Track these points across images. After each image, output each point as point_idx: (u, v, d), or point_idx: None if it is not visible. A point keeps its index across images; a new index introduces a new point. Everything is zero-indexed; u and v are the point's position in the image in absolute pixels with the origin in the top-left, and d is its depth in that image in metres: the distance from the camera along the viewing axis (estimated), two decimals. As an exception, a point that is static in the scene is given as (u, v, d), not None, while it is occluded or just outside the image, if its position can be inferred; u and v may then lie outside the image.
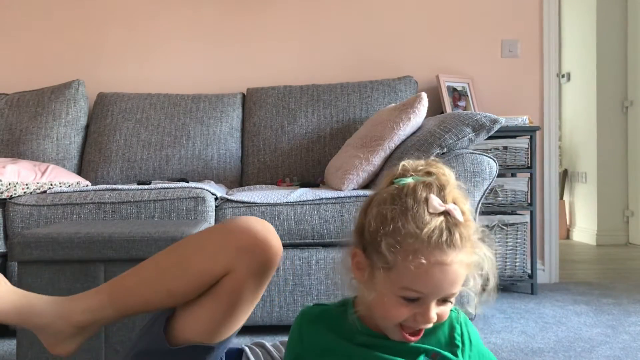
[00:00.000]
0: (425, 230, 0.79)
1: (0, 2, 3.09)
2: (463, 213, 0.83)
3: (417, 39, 3.08)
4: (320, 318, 0.90)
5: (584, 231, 4.70)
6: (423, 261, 0.78)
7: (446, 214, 0.81)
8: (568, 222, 5.01)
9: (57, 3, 3.09)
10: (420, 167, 0.88)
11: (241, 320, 1.00)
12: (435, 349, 0.88)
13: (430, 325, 0.84)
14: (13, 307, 0.97)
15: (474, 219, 0.85)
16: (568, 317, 2.27)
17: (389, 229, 0.81)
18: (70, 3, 3.09)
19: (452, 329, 0.90)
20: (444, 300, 0.83)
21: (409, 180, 0.85)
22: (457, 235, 0.80)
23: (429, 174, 0.87)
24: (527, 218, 2.69)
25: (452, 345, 0.89)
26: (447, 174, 0.87)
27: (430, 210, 0.81)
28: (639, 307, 2.42)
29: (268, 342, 1.15)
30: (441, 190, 0.84)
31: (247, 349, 1.11)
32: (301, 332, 0.90)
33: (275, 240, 0.97)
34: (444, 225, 0.80)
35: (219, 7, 3.09)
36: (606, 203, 4.50)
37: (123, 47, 3.09)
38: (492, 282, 0.86)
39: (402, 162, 0.89)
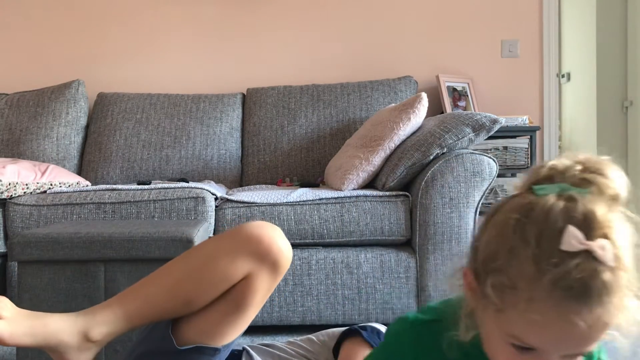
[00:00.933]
0: (549, 276, 0.57)
1: (1, 2, 3.09)
2: (617, 257, 0.58)
3: (417, 39, 3.07)
4: (436, 337, 0.71)
5: (584, 231, 4.70)
6: (538, 317, 0.58)
7: (588, 253, 0.57)
8: (568, 222, 5.00)
9: (57, 3, 3.09)
10: (577, 171, 0.63)
11: (248, 323, 1.02)
12: None
13: None
14: (27, 329, 0.94)
15: (630, 259, 0.59)
16: (568, 317, 2.26)
17: (499, 264, 0.61)
18: (70, 3, 3.09)
19: None
20: (570, 356, 0.61)
21: (554, 190, 0.61)
22: (597, 287, 0.57)
23: (585, 182, 0.62)
24: (527, 218, 2.69)
25: None
26: (612, 186, 0.62)
27: (564, 248, 0.58)
28: (639, 307, 2.41)
29: (268, 342, 1.14)
30: (588, 218, 0.58)
31: (248, 347, 1.11)
32: (417, 353, 0.73)
33: (286, 245, 1.00)
34: (578, 271, 0.57)
35: (219, 7, 3.09)
36: (606, 203, 4.49)
37: (123, 47, 3.09)
38: None
39: (552, 162, 0.65)
